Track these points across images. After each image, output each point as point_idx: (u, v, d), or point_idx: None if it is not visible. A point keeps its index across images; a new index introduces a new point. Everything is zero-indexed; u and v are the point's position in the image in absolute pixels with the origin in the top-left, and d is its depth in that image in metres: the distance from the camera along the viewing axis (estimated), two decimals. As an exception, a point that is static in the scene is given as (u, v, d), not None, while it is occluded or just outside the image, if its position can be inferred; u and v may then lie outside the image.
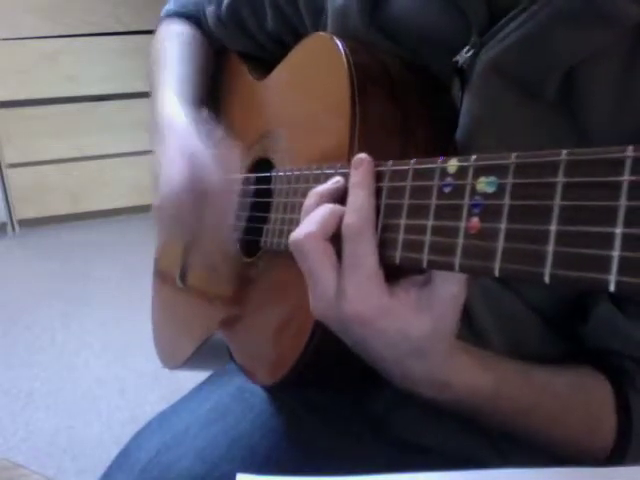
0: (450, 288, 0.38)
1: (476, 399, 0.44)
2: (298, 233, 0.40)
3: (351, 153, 0.46)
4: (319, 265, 0.40)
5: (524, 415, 0.47)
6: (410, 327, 0.39)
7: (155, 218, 0.62)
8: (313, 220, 0.40)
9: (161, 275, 0.89)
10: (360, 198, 0.39)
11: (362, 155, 0.41)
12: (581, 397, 0.48)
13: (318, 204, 0.41)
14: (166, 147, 0.62)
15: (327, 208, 0.41)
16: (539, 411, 0.47)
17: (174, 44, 0.76)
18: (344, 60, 0.49)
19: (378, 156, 0.40)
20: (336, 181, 0.43)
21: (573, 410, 0.48)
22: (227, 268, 0.66)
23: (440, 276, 0.38)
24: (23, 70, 2.42)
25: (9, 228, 2.56)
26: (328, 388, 0.59)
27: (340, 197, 0.42)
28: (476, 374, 0.43)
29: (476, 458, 0.53)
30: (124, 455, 0.57)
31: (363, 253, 0.38)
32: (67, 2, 2.41)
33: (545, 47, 0.42)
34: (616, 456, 0.48)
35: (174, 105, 0.68)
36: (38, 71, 2.44)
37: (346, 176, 0.42)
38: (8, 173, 2.49)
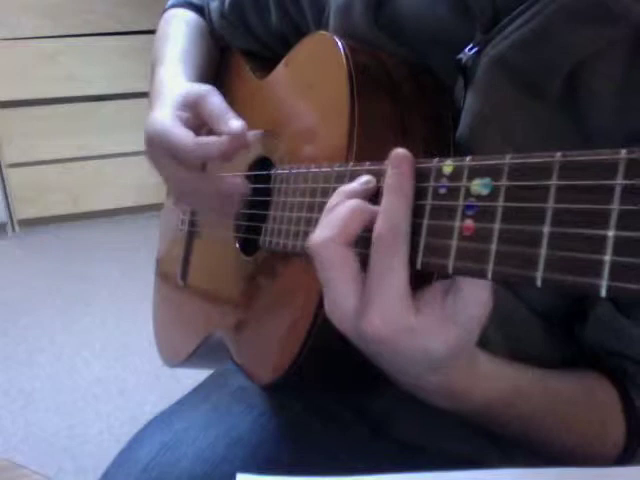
0: (480, 294, 0.34)
1: (492, 409, 0.43)
2: (315, 237, 0.36)
3: (349, 152, 0.46)
4: (337, 275, 0.35)
5: (539, 423, 0.45)
6: (435, 343, 0.35)
7: (148, 156, 0.60)
8: (333, 222, 0.36)
9: (163, 273, 0.89)
10: (395, 204, 0.34)
11: (401, 151, 0.35)
12: (591, 401, 0.48)
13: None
14: (161, 102, 0.60)
15: (350, 208, 0.36)
16: (553, 418, 0.46)
17: (181, 25, 0.76)
18: (344, 60, 0.49)
19: (376, 156, 0.40)
20: (366, 181, 0.38)
21: (585, 415, 0.47)
22: (226, 258, 0.65)
23: (468, 282, 0.34)
24: (23, 70, 2.42)
25: (9, 228, 2.56)
26: (327, 387, 0.59)
27: (371, 199, 0.37)
28: (494, 384, 0.42)
29: (477, 458, 0.53)
30: (124, 455, 0.57)
31: (393, 267, 0.34)
32: (67, 2, 2.41)
33: (549, 44, 0.42)
34: (627, 457, 0.48)
35: (176, 71, 0.67)
36: (38, 71, 2.44)
37: (377, 175, 0.38)
38: (8, 173, 2.49)
